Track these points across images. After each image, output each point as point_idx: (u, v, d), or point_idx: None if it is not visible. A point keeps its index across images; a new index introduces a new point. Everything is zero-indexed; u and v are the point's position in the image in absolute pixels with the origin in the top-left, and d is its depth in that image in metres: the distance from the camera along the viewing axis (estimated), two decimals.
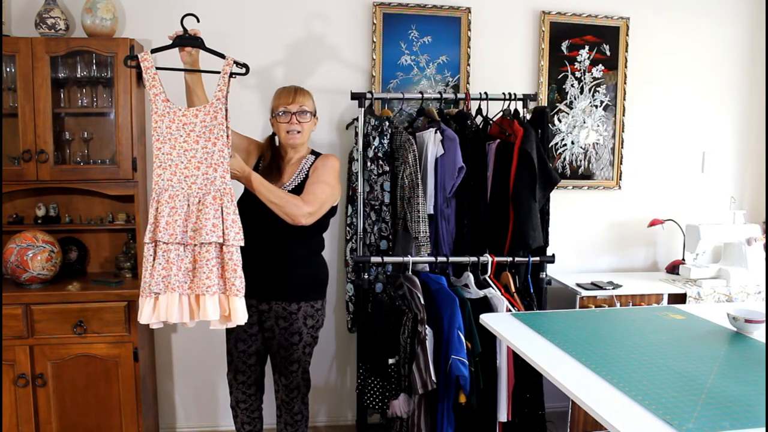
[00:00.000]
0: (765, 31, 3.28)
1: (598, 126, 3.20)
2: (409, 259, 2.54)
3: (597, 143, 3.21)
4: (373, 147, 2.60)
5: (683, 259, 3.18)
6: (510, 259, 2.59)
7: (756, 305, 2.51)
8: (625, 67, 3.18)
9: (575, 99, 3.15)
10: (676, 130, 3.31)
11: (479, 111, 2.77)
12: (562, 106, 3.15)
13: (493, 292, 2.47)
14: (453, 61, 3.02)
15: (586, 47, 3.13)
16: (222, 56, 1.96)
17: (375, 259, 2.55)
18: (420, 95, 2.70)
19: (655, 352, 1.71)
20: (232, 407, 2.45)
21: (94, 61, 2.62)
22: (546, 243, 2.72)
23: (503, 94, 2.70)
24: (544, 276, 2.68)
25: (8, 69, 2.55)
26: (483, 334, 2.31)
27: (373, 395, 2.43)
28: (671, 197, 3.35)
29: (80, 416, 2.53)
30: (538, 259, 2.63)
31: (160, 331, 2.92)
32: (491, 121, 2.75)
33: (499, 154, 2.64)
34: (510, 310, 2.39)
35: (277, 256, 2.23)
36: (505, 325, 2.01)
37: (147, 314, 1.90)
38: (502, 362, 2.44)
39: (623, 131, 3.22)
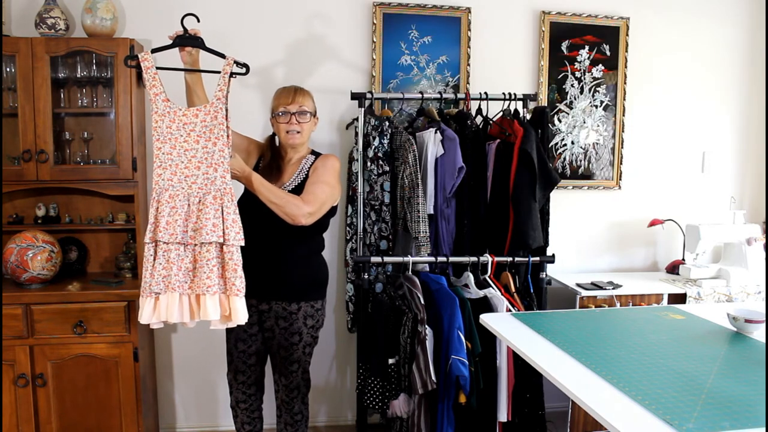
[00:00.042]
0: (765, 31, 3.28)
1: (598, 126, 3.20)
2: (409, 259, 2.54)
3: (597, 143, 3.21)
4: (373, 147, 2.60)
5: (683, 259, 3.18)
6: (510, 259, 2.59)
7: (756, 305, 2.51)
8: (625, 67, 3.18)
9: (575, 99, 3.16)
10: (676, 130, 3.31)
11: (479, 111, 2.77)
12: (562, 106, 3.15)
13: (493, 292, 2.47)
14: (453, 61, 3.02)
15: (586, 47, 3.13)
16: (222, 56, 1.96)
17: (375, 259, 2.55)
18: (420, 95, 2.70)
19: (655, 352, 1.71)
20: (232, 407, 2.46)
21: (94, 61, 2.62)
22: (546, 243, 2.72)
23: (503, 94, 2.70)
24: (544, 276, 2.68)
25: (8, 69, 2.55)
26: (483, 334, 2.31)
27: (373, 395, 2.43)
28: (671, 197, 3.35)
29: (80, 416, 2.53)
30: (538, 259, 2.63)
31: (160, 331, 2.92)
32: (491, 121, 2.75)
33: (499, 154, 2.64)
34: (510, 310, 2.39)
35: (277, 256, 2.23)
36: (505, 325, 2.01)
37: (147, 314, 1.90)
38: (502, 362, 2.44)
39: (623, 131, 3.22)
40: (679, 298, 2.85)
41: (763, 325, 1.88)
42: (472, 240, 2.64)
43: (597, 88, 3.17)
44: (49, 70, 2.48)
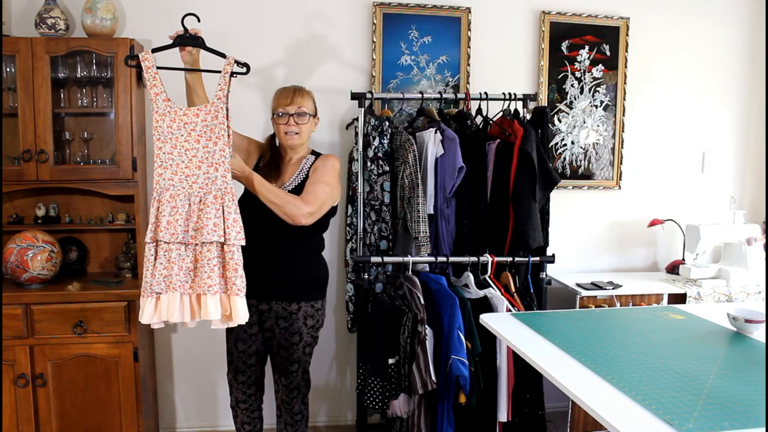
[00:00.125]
0: (765, 31, 3.28)
1: (598, 126, 3.20)
2: (409, 259, 2.54)
3: (597, 143, 3.21)
4: (373, 147, 2.60)
5: (683, 259, 3.18)
6: (510, 259, 2.59)
7: (756, 305, 2.51)
8: (625, 67, 3.18)
9: (575, 99, 3.16)
10: (676, 130, 3.31)
11: (479, 111, 2.77)
12: (562, 106, 3.15)
13: (493, 292, 2.48)
14: (453, 61, 3.02)
15: (586, 47, 3.13)
16: (223, 56, 1.96)
17: (375, 259, 2.55)
18: (420, 95, 2.70)
19: (655, 352, 1.71)
20: (232, 407, 2.45)
21: (94, 61, 2.62)
22: (546, 243, 2.72)
23: (503, 94, 2.70)
24: (544, 276, 2.68)
25: (8, 69, 2.55)
26: (483, 334, 2.31)
27: (373, 395, 2.43)
28: (671, 197, 3.35)
29: (80, 416, 2.53)
30: (538, 259, 2.63)
31: (160, 331, 2.92)
32: (491, 121, 2.75)
33: (499, 154, 2.64)
34: (510, 310, 2.39)
35: (277, 256, 2.23)
36: (505, 325, 2.01)
37: (149, 314, 1.90)
38: (502, 362, 2.44)
39: (623, 131, 3.22)
40: (679, 298, 2.86)
41: (763, 325, 1.88)
42: (472, 240, 2.64)
43: (597, 88, 3.17)
44: (49, 70, 2.48)
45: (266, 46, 2.88)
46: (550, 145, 3.12)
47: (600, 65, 3.16)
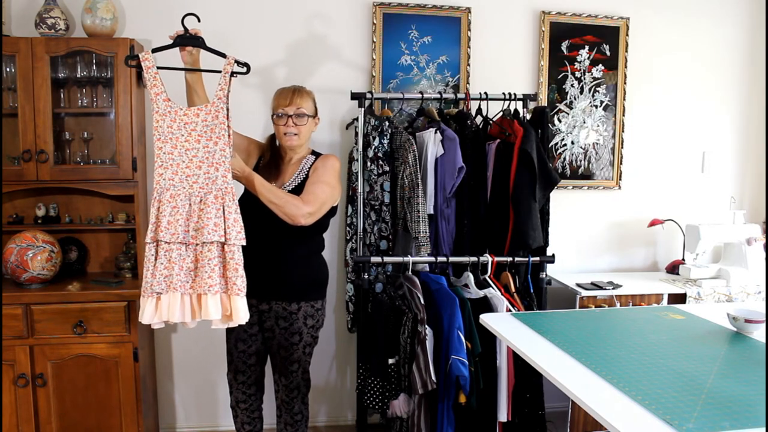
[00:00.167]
0: (765, 31, 3.28)
1: (598, 126, 3.20)
2: (409, 259, 2.54)
3: (597, 143, 3.21)
4: (373, 147, 2.60)
5: (683, 259, 3.18)
6: (510, 259, 2.59)
7: (756, 305, 2.51)
8: (625, 67, 3.18)
9: (575, 99, 3.16)
10: (676, 130, 3.32)
11: (479, 111, 2.77)
12: (562, 106, 3.15)
13: (493, 292, 2.48)
14: (453, 61, 3.02)
15: (586, 47, 3.13)
16: (223, 55, 1.96)
17: (375, 259, 2.55)
18: (420, 95, 2.70)
19: (655, 352, 1.71)
20: (232, 407, 2.46)
21: (94, 61, 2.62)
22: (546, 243, 2.72)
23: (503, 94, 2.70)
24: (544, 276, 2.68)
25: (8, 69, 2.55)
26: (483, 334, 2.31)
27: (373, 395, 2.43)
28: (671, 197, 3.35)
29: (80, 416, 2.53)
30: (538, 259, 2.63)
31: (160, 331, 2.92)
32: (491, 121, 2.75)
33: (499, 154, 2.64)
34: (510, 310, 2.39)
35: (277, 256, 2.23)
36: (505, 325, 2.01)
37: (149, 314, 1.90)
38: (502, 362, 2.44)
39: (623, 131, 3.22)
40: (679, 298, 2.86)
41: (763, 325, 1.88)
42: (472, 240, 2.64)
43: (597, 88, 3.17)
44: (49, 70, 2.47)
45: (266, 46, 2.88)
46: (550, 145, 3.12)
47: (600, 65, 3.16)
